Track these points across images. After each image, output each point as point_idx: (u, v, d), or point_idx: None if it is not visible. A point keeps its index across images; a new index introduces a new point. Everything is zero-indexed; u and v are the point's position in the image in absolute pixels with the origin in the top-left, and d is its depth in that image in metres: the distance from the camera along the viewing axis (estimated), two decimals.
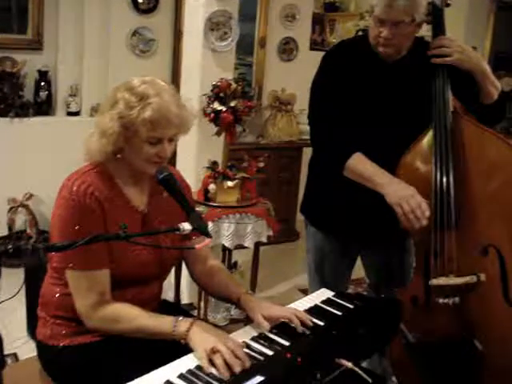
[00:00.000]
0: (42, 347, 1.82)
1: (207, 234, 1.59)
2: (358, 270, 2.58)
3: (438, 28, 2.18)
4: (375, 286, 2.15)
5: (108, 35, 4.52)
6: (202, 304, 3.22)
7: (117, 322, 1.66)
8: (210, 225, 3.02)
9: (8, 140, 4.15)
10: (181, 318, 1.63)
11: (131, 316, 1.66)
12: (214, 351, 1.50)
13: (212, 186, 3.12)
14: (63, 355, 1.74)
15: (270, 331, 1.70)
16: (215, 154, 3.29)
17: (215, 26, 3.21)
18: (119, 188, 1.76)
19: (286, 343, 1.65)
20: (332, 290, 2.28)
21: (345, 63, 2.25)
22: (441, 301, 2.14)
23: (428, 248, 2.14)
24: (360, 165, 2.15)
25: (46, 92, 4.39)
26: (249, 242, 3.13)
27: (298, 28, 5.11)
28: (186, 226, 1.56)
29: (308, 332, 1.71)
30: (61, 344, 1.75)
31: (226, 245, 3.08)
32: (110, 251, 1.69)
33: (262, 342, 1.65)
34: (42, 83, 4.37)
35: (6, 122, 4.18)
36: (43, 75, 4.37)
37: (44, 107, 4.40)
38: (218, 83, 3.05)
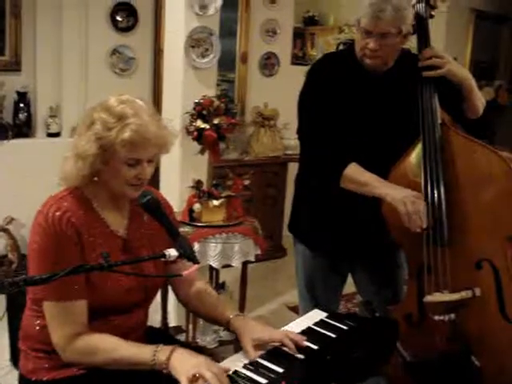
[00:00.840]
0: (24, 381, 1.74)
1: (194, 260, 1.54)
2: (348, 286, 2.53)
3: (424, 39, 2.16)
4: (366, 304, 2.10)
5: (87, 54, 4.45)
6: (191, 326, 3.14)
7: (93, 353, 1.58)
8: (196, 245, 2.95)
9: None
10: (160, 347, 1.56)
11: (109, 347, 1.59)
12: (197, 378, 1.44)
13: (197, 206, 3.06)
14: None
15: (262, 357, 1.64)
16: (199, 173, 3.24)
17: (196, 42, 3.16)
18: (97, 213, 1.70)
19: (280, 370, 1.59)
20: (323, 308, 2.24)
21: (331, 76, 2.22)
22: (436, 317, 2.10)
23: (421, 263, 2.10)
24: (356, 173, 2.12)
25: (26, 113, 4.30)
26: (236, 262, 3.07)
27: (279, 43, 5.10)
28: (172, 253, 1.51)
29: (302, 356, 1.65)
30: (44, 378, 1.69)
31: (214, 265, 3.02)
32: (88, 280, 1.62)
33: (253, 369, 1.59)
34: (21, 104, 4.29)
35: None
36: (22, 96, 4.29)
37: (24, 129, 4.31)
38: (201, 100, 3.00)
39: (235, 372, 1.58)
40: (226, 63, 4.94)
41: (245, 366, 1.61)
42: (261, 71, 5.09)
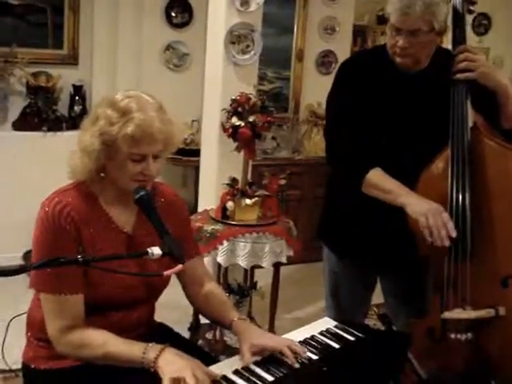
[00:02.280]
0: (25, 368, 1.78)
1: (179, 259, 1.50)
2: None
3: (458, 36, 2.04)
4: (382, 316, 2.00)
5: (141, 49, 4.53)
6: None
7: (84, 347, 1.59)
8: (226, 244, 2.92)
9: (41, 154, 4.18)
10: (151, 345, 1.55)
11: (99, 342, 1.58)
12: (178, 380, 1.42)
13: (230, 204, 3.02)
14: (43, 378, 1.71)
15: (257, 363, 1.59)
16: (238, 170, 3.20)
17: (237, 38, 3.13)
18: (102, 208, 1.69)
19: (270, 378, 1.54)
20: (348, 317, 2.15)
21: (361, 74, 2.14)
22: (452, 336, 1.98)
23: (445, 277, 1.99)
24: (379, 178, 2.03)
25: (81, 106, 4.42)
26: (266, 263, 3.01)
27: (338, 40, 4.98)
28: (156, 251, 1.47)
29: (298, 366, 1.59)
30: (42, 367, 1.72)
31: (242, 265, 2.97)
32: (86, 275, 1.62)
33: (243, 376, 1.55)
34: (77, 97, 4.41)
35: (39, 136, 4.23)
36: (78, 89, 4.42)
37: (78, 121, 4.39)
38: (237, 97, 2.96)
39: (224, 377, 1.54)
40: (282, 60, 4.91)
41: (235, 372, 1.57)
42: (317, 69, 4.98)
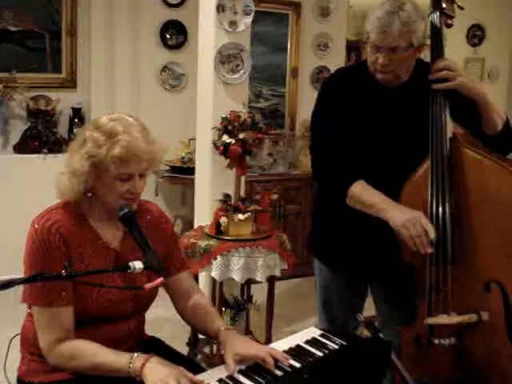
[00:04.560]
0: (20, 382, 1.83)
1: (160, 273, 1.56)
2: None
3: (437, 49, 2.06)
4: (368, 324, 2.04)
5: (138, 71, 4.64)
6: None
7: (74, 358, 1.65)
8: (219, 259, 2.97)
9: (41, 176, 4.25)
10: (137, 354, 1.60)
11: (87, 353, 1.64)
12: None
13: (223, 219, 3.08)
14: None
15: (241, 372, 1.64)
16: (231, 187, 3.26)
17: (226, 58, 3.20)
18: (90, 225, 1.76)
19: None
20: (341, 328, 2.18)
21: (344, 89, 2.18)
22: (436, 341, 2.01)
23: (430, 283, 2.02)
24: (363, 192, 2.07)
25: (80, 128, 4.50)
26: (260, 276, 3.05)
27: (332, 56, 5.06)
28: (138, 265, 1.53)
29: (281, 373, 1.63)
30: (35, 381, 1.76)
31: (236, 279, 3.02)
32: (75, 289, 1.68)
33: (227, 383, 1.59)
34: (76, 120, 4.51)
35: (39, 158, 4.32)
36: (77, 112, 4.52)
37: None
38: (227, 115, 3.03)
39: None
40: (277, 78, 5.00)
41: (219, 381, 1.61)
42: (312, 85, 5.06)
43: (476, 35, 6.04)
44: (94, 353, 1.64)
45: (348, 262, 2.29)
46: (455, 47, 5.79)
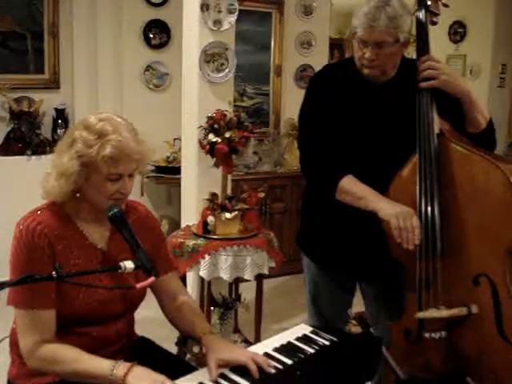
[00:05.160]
0: None
1: (151, 273, 1.55)
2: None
3: (422, 46, 2.09)
4: (360, 319, 2.05)
5: (121, 71, 4.63)
6: None
7: (55, 363, 1.62)
8: (207, 258, 2.98)
9: (25, 178, 4.22)
10: (119, 362, 1.58)
11: (69, 358, 1.61)
12: None
13: (211, 218, 3.08)
14: None
15: (233, 370, 1.63)
16: (218, 186, 3.26)
17: (211, 57, 3.20)
18: (76, 226, 1.74)
19: (246, 383, 1.58)
20: (330, 324, 2.19)
21: (331, 86, 2.20)
22: (427, 335, 2.03)
23: (419, 278, 2.04)
24: (352, 185, 2.09)
25: (63, 129, 4.47)
26: (249, 275, 3.06)
27: (315, 54, 5.07)
28: (128, 265, 1.53)
29: (272, 371, 1.63)
30: None
31: (224, 278, 3.02)
32: (60, 291, 1.66)
33: (220, 382, 1.59)
34: (59, 121, 4.47)
35: (23, 160, 4.28)
36: (60, 113, 4.49)
37: None
38: (213, 114, 3.03)
39: None
40: (260, 76, 5.00)
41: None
42: (296, 83, 5.07)
43: (458, 32, 6.09)
44: (75, 358, 1.61)
45: (336, 260, 2.31)
46: (437, 44, 5.81)
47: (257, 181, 4.51)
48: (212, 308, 3.24)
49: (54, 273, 1.43)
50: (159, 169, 4.52)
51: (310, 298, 2.48)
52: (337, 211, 2.19)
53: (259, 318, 3.27)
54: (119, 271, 1.52)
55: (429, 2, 2.08)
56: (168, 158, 4.50)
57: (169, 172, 4.44)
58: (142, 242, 1.68)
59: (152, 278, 1.54)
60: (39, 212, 1.72)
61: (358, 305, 2.51)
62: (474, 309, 1.99)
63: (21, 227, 1.67)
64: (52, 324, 1.66)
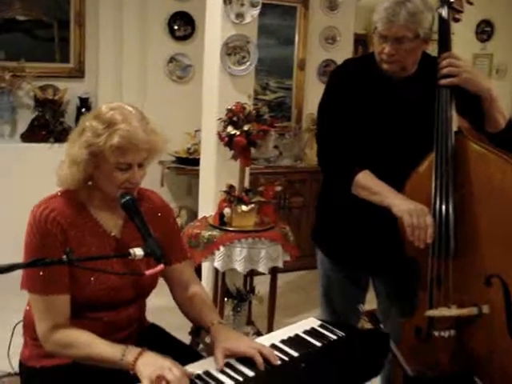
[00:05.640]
0: (22, 367, 1.86)
1: (160, 260, 1.57)
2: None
3: (443, 43, 2.07)
4: (371, 315, 2.05)
5: (146, 62, 4.65)
6: None
7: (69, 347, 1.67)
8: (222, 249, 3.00)
9: (47, 165, 4.28)
10: (130, 348, 1.61)
11: (82, 342, 1.66)
12: (159, 380, 1.48)
13: (227, 210, 3.10)
14: (40, 376, 1.77)
15: (239, 359, 1.65)
16: (236, 178, 3.28)
17: (232, 50, 3.22)
18: (89, 213, 1.77)
19: (250, 373, 1.60)
20: (342, 319, 2.19)
21: (351, 80, 2.20)
22: (436, 333, 2.02)
23: (431, 276, 2.04)
24: (368, 180, 2.10)
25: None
26: (263, 267, 3.07)
27: (339, 50, 5.05)
28: (138, 252, 1.55)
29: (278, 362, 1.65)
30: (37, 366, 1.79)
31: (238, 269, 3.04)
32: (73, 276, 1.70)
33: (224, 371, 1.61)
34: (83, 109, 4.52)
35: (45, 147, 4.34)
36: (84, 102, 4.53)
37: None
38: (232, 107, 3.04)
39: (206, 373, 1.61)
40: (284, 70, 5.00)
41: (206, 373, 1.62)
42: (319, 78, 5.06)
43: (485, 31, 6.01)
44: (89, 343, 1.65)
45: (349, 255, 2.31)
46: (464, 43, 5.77)
47: (276, 175, 4.53)
48: (226, 299, 3.26)
49: (64, 257, 1.46)
50: (180, 160, 4.55)
51: (323, 292, 2.49)
52: (352, 206, 2.19)
53: (272, 311, 3.29)
54: (129, 257, 1.55)
55: None
56: (189, 149, 4.52)
57: (189, 163, 4.47)
58: (155, 231, 1.70)
59: (161, 266, 1.56)
60: (53, 199, 1.75)
61: (371, 302, 2.52)
62: (485, 309, 1.98)
63: (34, 214, 1.71)
64: (66, 309, 1.70)
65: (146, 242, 1.59)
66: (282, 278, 3.59)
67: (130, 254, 1.54)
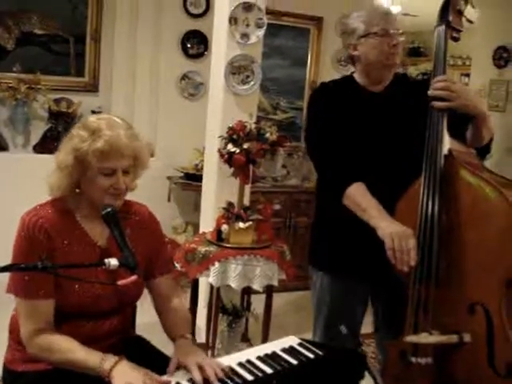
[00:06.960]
0: (4, 370, 1.90)
1: (134, 271, 1.60)
2: None
3: (440, 64, 2.05)
4: (352, 335, 2.05)
5: (158, 79, 4.74)
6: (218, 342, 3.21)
7: (50, 351, 1.71)
8: (217, 265, 3.02)
9: None
10: (107, 356, 1.66)
11: (63, 347, 1.70)
12: None
13: (225, 227, 3.13)
14: (21, 380, 1.81)
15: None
16: (236, 195, 3.31)
17: (237, 69, 3.27)
18: (77, 222, 1.82)
19: None
20: (337, 336, 2.20)
21: (335, 97, 2.27)
22: (413, 360, 2.01)
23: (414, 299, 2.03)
24: (359, 195, 2.12)
25: None
26: (257, 285, 3.08)
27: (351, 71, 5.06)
28: (113, 262, 1.58)
29: (251, 378, 1.67)
30: (19, 369, 1.83)
31: (233, 286, 3.06)
32: (57, 283, 1.74)
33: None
34: None
35: None
36: None
37: None
38: (233, 125, 3.09)
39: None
40: (295, 91, 5.05)
41: (189, 380, 1.67)
42: None
43: (502, 57, 5.98)
44: (69, 348, 1.70)
45: (349, 265, 2.30)
46: (481, 68, 5.77)
47: (282, 194, 4.55)
48: (221, 315, 3.28)
49: (39, 263, 1.50)
50: (187, 176, 4.60)
51: (320, 313, 2.46)
52: (349, 220, 2.17)
53: (267, 329, 3.29)
54: (103, 267, 1.58)
55: (450, 18, 2.03)
56: (197, 165, 4.57)
57: (197, 179, 4.50)
58: (141, 244, 1.75)
59: (134, 276, 1.59)
60: (41, 207, 1.81)
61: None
62: (467, 337, 1.94)
63: (24, 220, 1.76)
64: (49, 314, 1.74)
65: (122, 253, 1.63)
66: (280, 298, 3.59)
67: (104, 263, 1.57)
